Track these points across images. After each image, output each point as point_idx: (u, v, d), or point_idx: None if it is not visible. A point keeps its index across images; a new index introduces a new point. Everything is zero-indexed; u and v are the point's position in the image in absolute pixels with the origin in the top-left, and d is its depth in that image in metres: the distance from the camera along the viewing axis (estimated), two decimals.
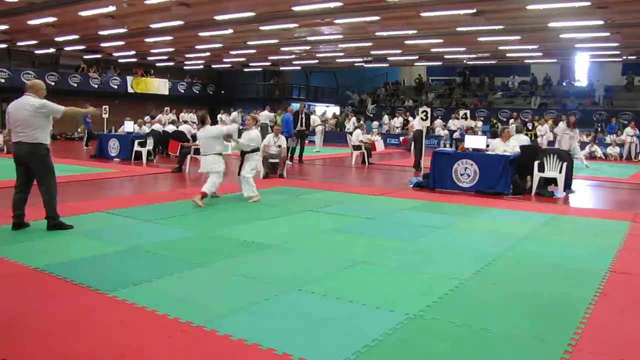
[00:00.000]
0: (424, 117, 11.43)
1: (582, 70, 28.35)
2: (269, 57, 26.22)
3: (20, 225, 5.69)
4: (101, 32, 18.39)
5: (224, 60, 27.35)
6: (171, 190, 9.32)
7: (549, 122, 20.75)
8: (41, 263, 4.48)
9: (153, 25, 17.28)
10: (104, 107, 18.98)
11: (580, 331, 3.33)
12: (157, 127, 16.27)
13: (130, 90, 26.71)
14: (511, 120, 20.51)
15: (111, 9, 14.84)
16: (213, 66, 30.82)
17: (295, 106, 15.91)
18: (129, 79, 26.71)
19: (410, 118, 21.59)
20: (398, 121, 25.42)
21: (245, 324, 3.33)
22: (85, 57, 25.35)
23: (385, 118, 26.31)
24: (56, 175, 5.80)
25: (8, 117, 5.65)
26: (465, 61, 26.58)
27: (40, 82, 5.85)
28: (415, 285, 4.23)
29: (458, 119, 21.50)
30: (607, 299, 3.96)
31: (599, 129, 22.28)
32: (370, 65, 29.03)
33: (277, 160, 11.13)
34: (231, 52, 24.31)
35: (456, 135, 20.11)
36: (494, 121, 22.10)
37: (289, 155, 13.53)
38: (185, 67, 30.44)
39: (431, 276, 4.45)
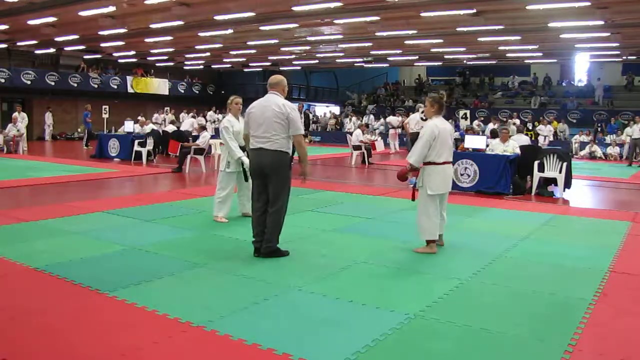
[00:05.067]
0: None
1: (582, 70, 28.36)
2: (269, 57, 26.20)
3: (259, 250, 4.86)
4: (101, 32, 18.37)
5: (224, 60, 27.34)
6: (171, 190, 9.32)
7: (553, 123, 20.79)
8: (41, 263, 4.48)
9: (153, 25, 17.27)
10: (104, 107, 19.04)
11: (580, 331, 3.33)
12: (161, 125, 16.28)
13: (130, 90, 26.70)
14: (511, 121, 20.51)
15: (111, 9, 14.83)
16: (213, 66, 30.81)
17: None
18: (129, 79, 26.70)
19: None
20: (397, 120, 25.37)
21: (245, 324, 3.33)
22: (85, 57, 25.35)
23: (371, 118, 25.88)
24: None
25: (248, 119, 4.88)
26: (465, 61, 26.57)
27: (284, 78, 5.09)
28: (415, 285, 4.23)
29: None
30: (607, 299, 3.96)
31: (599, 129, 22.29)
32: (370, 65, 29.02)
33: None
34: (231, 52, 24.30)
35: (456, 135, 20.10)
36: (493, 121, 22.07)
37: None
38: (185, 67, 30.43)
39: (431, 276, 4.45)
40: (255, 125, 4.78)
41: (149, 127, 15.92)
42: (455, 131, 20.54)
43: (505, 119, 21.45)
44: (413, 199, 5.26)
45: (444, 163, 5.11)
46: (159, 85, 28.18)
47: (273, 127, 4.69)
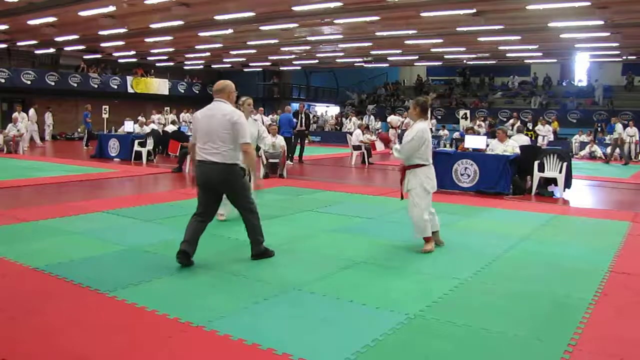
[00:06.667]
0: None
1: (582, 70, 28.37)
2: (269, 57, 26.21)
3: (185, 256, 4.45)
4: (101, 32, 18.38)
5: (224, 60, 27.34)
6: (171, 190, 9.32)
7: (553, 124, 20.79)
8: (41, 263, 4.48)
9: (153, 25, 17.28)
10: (104, 107, 19.04)
11: (580, 331, 3.33)
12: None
13: (130, 90, 26.70)
14: (510, 121, 20.49)
15: (111, 9, 14.84)
16: (213, 66, 30.81)
17: (295, 106, 15.92)
18: (129, 79, 26.70)
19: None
20: (398, 120, 25.35)
21: (245, 324, 3.33)
22: (85, 57, 25.35)
23: (371, 119, 25.38)
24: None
25: (195, 128, 4.61)
26: (465, 61, 26.57)
27: (230, 82, 4.66)
28: (415, 285, 4.22)
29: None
30: (607, 299, 3.95)
31: (599, 129, 22.28)
32: (370, 65, 29.02)
33: (277, 160, 11.14)
34: (231, 52, 24.31)
35: (456, 135, 20.10)
36: (492, 121, 22.06)
37: (289, 155, 13.54)
38: (185, 67, 30.43)
39: (431, 276, 4.45)
40: (201, 134, 4.47)
41: (149, 127, 15.92)
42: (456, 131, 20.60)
43: (501, 120, 21.41)
44: (402, 198, 5.52)
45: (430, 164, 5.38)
46: (159, 85, 28.18)
47: (220, 138, 4.38)
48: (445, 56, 24.34)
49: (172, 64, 28.92)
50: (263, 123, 13.84)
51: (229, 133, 4.40)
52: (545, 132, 18.85)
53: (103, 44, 21.68)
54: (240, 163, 4.55)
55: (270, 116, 19.95)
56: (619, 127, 18.17)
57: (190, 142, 4.83)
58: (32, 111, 19.49)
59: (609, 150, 19.66)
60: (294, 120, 14.12)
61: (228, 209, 6.51)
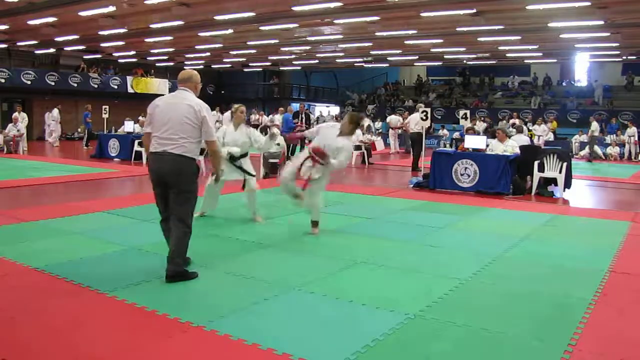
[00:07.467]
0: (424, 117, 11.42)
1: (582, 70, 28.37)
2: (269, 57, 26.21)
3: (176, 273, 4.08)
4: (101, 32, 18.39)
5: (224, 60, 27.34)
6: None
7: (552, 123, 20.81)
8: (41, 263, 4.48)
9: (153, 25, 17.28)
10: (104, 107, 19.05)
11: (580, 331, 3.33)
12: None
13: (130, 90, 26.68)
14: (511, 121, 20.47)
15: (111, 9, 14.84)
16: (213, 66, 30.80)
17: (295, 106, 15.93)
18: (129, 79, 26.68)
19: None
20: (398, 120, 25.36)
21: (245, 324, 3.33)
22: (85, 57, 25.34)
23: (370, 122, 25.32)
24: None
25: (152, 116, 4.16)
26: (465, 61, 26.57)
27: (197, 73, 4.33)
28: (415, 285, 4.22)
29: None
30: (607, 299, 3.95)
31: (599, 129, 22.29)
32: (370, 65, 29.02)
33: (277, 160, 11.15)
34: (231, 52, 24.30)
35: (456, 135, 20.08)
36: (490, 121, 22.04)
37: (289, 155, 13.53)
38: (185, 67, 30.38)
39: (431, 276, 4.45)
40: (159, 124, 4.06)
41: None
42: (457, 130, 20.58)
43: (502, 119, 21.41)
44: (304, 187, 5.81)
45: None
46: (159, 85, 28.14)
47: (181, 129, 4.00)
48: (445, 56, 24.34)
49: (172, 64, 28.92)
50: (280, 124, 13.87)
51: (191, 124, 4.02)
52: (541, 132, 18.86)
53: (103, 44, 21.67)
54: (195, 159, 4.13)
55: (271, 116, 19.91)
56: (594, 125, 18.52)
57: (144, 133, 4.37)
58: (55, 111, 20.45)
59: (608, 150, 19.71)
60: (292, 121, 14.12)
61: (213, 203, 6.57)
